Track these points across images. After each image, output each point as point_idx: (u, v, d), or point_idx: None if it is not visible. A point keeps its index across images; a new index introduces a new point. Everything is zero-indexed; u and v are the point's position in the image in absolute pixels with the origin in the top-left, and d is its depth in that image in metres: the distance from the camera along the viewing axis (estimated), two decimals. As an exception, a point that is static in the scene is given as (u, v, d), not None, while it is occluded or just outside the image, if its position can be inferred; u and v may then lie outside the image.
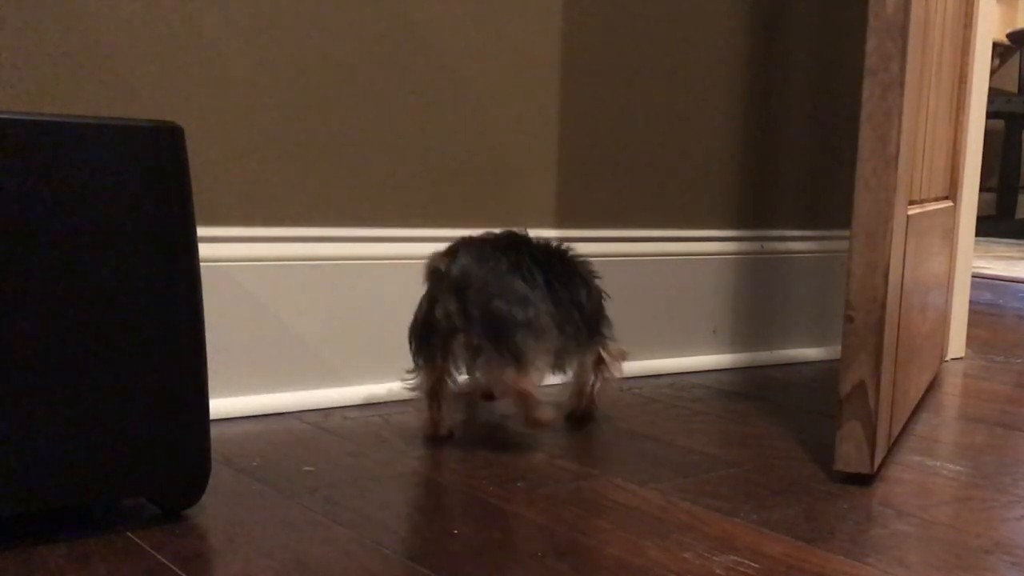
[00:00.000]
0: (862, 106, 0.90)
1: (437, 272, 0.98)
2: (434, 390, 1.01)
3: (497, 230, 1.06)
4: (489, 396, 1.15)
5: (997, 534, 0.83)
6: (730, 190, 1.49)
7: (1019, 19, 4.79)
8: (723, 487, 0.92)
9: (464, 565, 0.72)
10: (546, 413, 0.99)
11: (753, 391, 1.35)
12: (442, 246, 1.01)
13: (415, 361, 1.01)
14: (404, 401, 1.16)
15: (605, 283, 1.36)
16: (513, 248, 1.01)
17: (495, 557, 0.74)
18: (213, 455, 0.80)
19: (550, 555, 0.74)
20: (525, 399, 0.97)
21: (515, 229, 1.06)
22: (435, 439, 1.02)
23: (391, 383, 1.19)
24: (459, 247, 1.00)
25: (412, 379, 1.02)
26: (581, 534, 0.79)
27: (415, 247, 1.19)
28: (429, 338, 0.99)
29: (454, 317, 0.97)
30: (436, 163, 1.23)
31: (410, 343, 1.00)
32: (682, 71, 1.42)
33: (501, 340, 0.95)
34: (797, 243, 1.56)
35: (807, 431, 1.13)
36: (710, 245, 1.47)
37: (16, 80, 0.97)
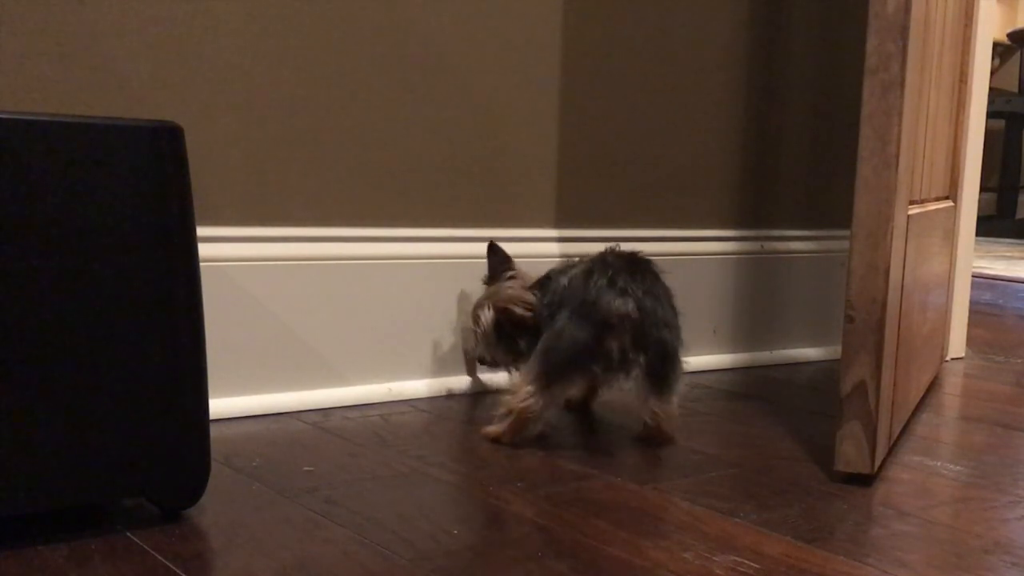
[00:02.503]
0: (862, 106, 0.90)
1: (607, 308, 0.98)
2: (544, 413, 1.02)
3: (614, 248, 1.06)
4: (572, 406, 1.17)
5: (997, 534, 0.83)
6: (730, 190, 1.49)
7: (1019, 19, 4.78)
8: (723, 487, 0.92)
9: (464, 565, 0.72)
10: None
11: (753, 391, 1.35)
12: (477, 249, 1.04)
13: (549, 381, 0.99)
14: (404, 401, 1.16)
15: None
16: (645, 274, 1.02)
17: (495, 557, 0.74)
18: (213, 455, 0.80)
19: (550, 555, 0.74)
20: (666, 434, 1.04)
21: (630, 250, 1.06)
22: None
23: (391, 383, 1.19)
24: (602, 271, 1.00)
25: (529, 398, 1.00)
26: (581, 534, 0.79)
27: (415, 247, 1.19)
28: (583, 365, 1.00)
29: (628, 351, 0.99)
30: (436, 163, 1.23)
31: (556, 368, 0.99)
32: (682, 71, 1.42)
33: (661, 370, 1.00)
34: (797, 243, 1.56)
35: (807, 431, 1.13)
36: (710, 245, 1.47)
37: (16, 80, 0.97)
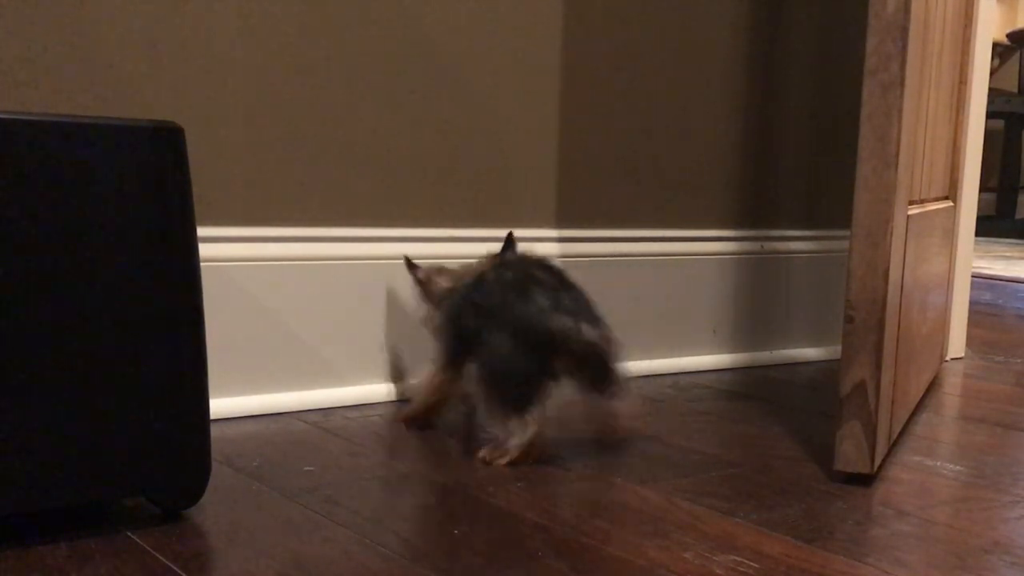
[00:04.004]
0: (862, 106, 0.90)
1: (570, 337, 0.96)
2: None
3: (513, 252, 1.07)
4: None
5: (997, 534, 0.83)
6: (730, 190, 1.49)
7: (1019, 19, 4.79)
8: (723, 487, 0.92)
9: (464, 565, 0.72)
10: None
11: (753, 391, 1.35)
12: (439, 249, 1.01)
13: (525, 412, 0.96)
14: (404, 401, 1.16)
15: (605, 283, 1.35)
16: (567, 279, 1.01)
17: (495, 557, 0.74)
18: (213, 455, 0.80)
19: (550, 555, 0.74)
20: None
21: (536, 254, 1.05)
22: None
23: (391, 383, 1.19)
24: (542, 287, 0.97)
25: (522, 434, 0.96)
26: (581, 534, 0.79)
27: (416, 247, 1.19)
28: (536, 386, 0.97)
29: (573, 371, 0.97)
30: (436, 163, 1.23)
31: (513, 395, 0.96)
32: (682, 71, 1.42)
33: (607, 378, 0.99)
34: (797, 243, 1.56)
35: (807, 431, 1.13)
36: (710, 245, 1.47)
37: (16, 80, 0.97)
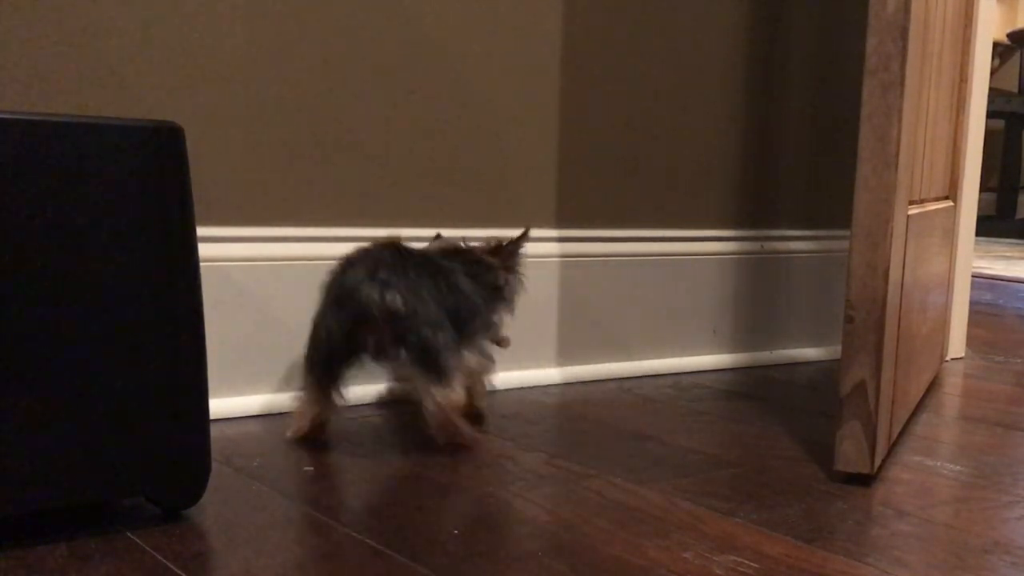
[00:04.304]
0: (862, 106, 0.90)
1: (354, 294, 0.95)
2: (318, 404, 1.00)
3: (382, 236, 1.03)
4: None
5: (997, 534, 0.83)
6: (730, 190, 1.49)
7: (1019, 19, 4.79)
8: (723, 487, 0.92)
9: (464, 565, 0.72)
10: (475, 437, 1.02)
11: (753, 391, 1.35)
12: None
13: (312, 377, 0.98)
14: (405, 401, 1.16)
15: (605, 283, 1.36)
16: (417, 268, 0.99)
17: (495, 557, 0.74)
18: (213, 455, 0.80)
19: (550, 555, 0.74)
20: (449, 424, 0.99)
21: (395, 239, 1.02)
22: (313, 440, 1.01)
23: (391, 383, 1.19)
24: (371, 264, 0.97)
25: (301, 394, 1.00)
26: (581, 534, 0.79)
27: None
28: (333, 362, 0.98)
29: (387, 347, 0.96)
30: (436, 163, 1.23)
31: (312, 366, 0.98)
32: (682, 71, 1.42)
33: (430, 365, 0.96)
34: (797, 243, 1.56)
35: (807, 431, 1.13)
36: (710, 245, 1.47)
37: (15, 80, 0.97)
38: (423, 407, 0.97)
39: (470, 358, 1.03)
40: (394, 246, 0.99)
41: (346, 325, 0.95)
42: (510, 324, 1.23)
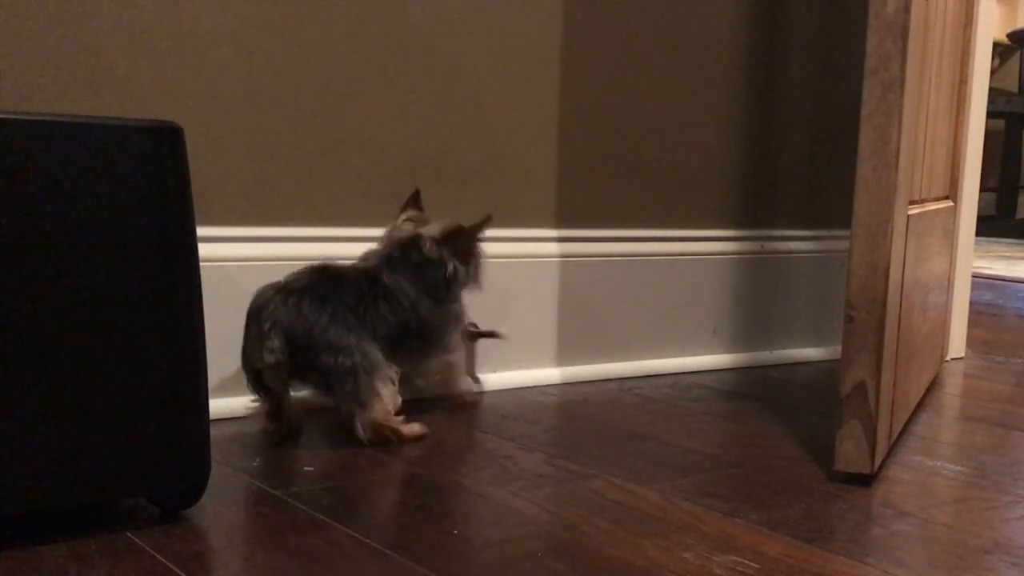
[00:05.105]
0: (862, 106, 0.90)
1: (260, 320, 0.98)
2: (274, 412, 1.02)
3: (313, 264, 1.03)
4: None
5: (997, 534, 0.83)
6: (730, 190, 1.49)
7: (1019, 19, 4.79)
8: (723, 487, 0.92)
9: (464, 565, 0.72)
10: (414, 431, 1.03)
11: (753, 391, 1.35)
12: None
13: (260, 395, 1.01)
14: (405, 401, 1.16)
15: (605, 283, 1.35)
16: (331, 290, 1.00)
17: (495, 557, 0.74)
18: (213, 455, 0.80)
19: (550, 555, 0.74)
20: (383, 437, 1.00)
21: (327, 263, 1.03)
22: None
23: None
24: (282, 294, 0.98)
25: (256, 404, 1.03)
26: (581, 534, 0.79)
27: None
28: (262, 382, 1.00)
29: (284, 369, 0.98)
30: (436, 163, 1.23)
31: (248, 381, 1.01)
32: (682, 71, 1.42)
33: (345, 391, 0.98)
34: (797, 243, 1.56)
35: (807, 431, 1.13)
36: (710, 245, 1.47)
37: (16, 80, 0.97)
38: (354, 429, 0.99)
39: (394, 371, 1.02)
40: (317, 272, 1.01)
41: (255, 362, 0.98)
42: (510, 324, 1.23)
